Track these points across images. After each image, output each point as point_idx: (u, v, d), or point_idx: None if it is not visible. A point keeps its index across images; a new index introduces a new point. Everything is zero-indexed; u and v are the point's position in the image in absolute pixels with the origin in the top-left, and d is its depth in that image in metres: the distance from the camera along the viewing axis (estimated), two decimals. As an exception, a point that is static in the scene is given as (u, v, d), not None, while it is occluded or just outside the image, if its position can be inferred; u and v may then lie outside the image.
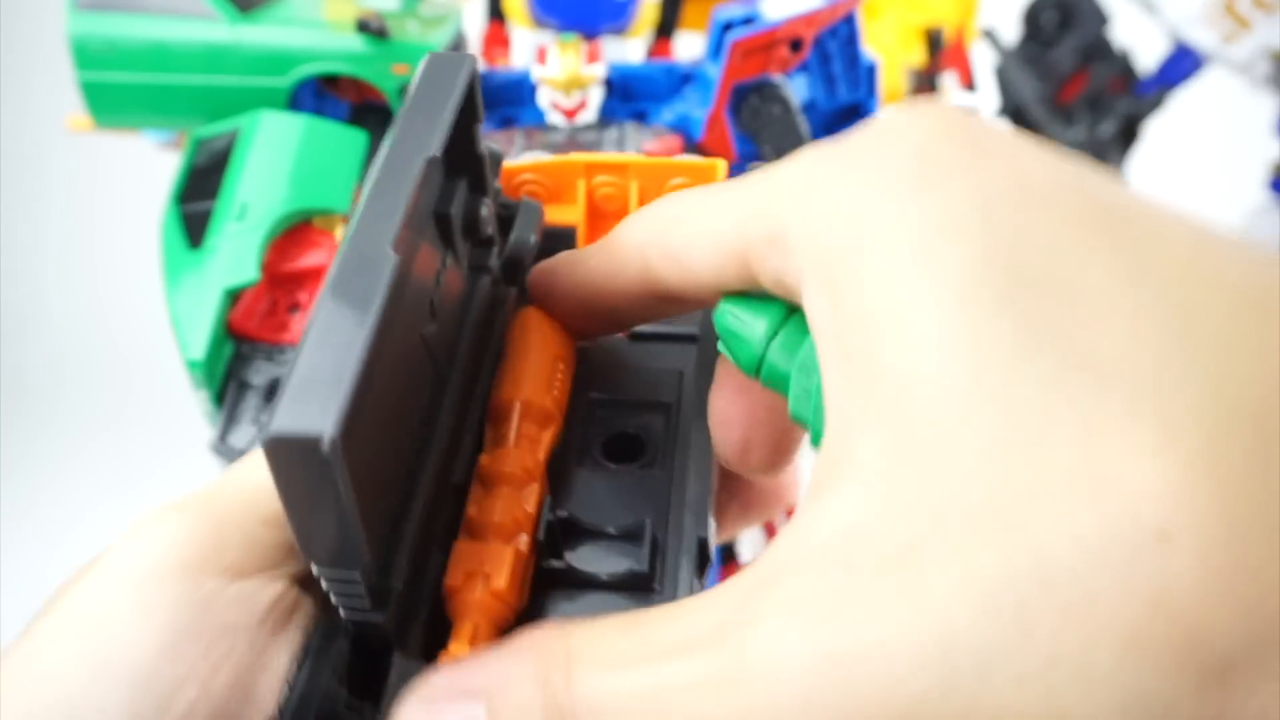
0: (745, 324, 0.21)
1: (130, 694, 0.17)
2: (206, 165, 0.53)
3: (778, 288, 0.19)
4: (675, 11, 0.68)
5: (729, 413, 0.23)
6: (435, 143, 0.21)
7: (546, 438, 0.24)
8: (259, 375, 0.49)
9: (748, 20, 0.57)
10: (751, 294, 0.21)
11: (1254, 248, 0.15)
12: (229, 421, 0.48)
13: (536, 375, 0.24)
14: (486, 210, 0.25)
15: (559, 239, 0.29)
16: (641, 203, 0.32)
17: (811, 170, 0.18)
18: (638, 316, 0.24)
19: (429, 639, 0.21)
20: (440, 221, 0.23)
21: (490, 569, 0.21)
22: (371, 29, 0.54)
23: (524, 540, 0.22)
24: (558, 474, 0.24)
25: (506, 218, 0.27)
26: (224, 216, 0.50)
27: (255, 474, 0.21)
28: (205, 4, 0.54)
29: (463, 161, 0.24)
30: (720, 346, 0.22)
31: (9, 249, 1.40)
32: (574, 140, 0.59)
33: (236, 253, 0.49)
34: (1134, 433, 0.13)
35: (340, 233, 0.53)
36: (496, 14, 0.67)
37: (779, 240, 0.18)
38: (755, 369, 0.21)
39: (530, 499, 0.22)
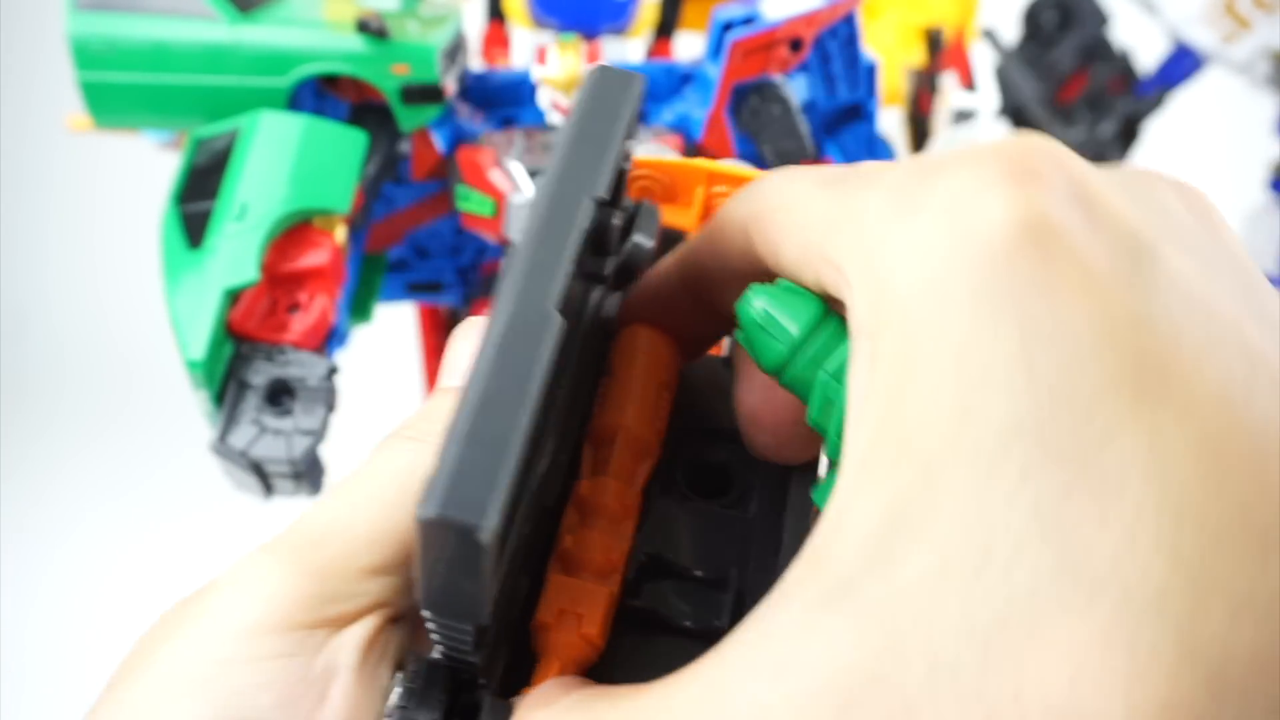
0: (777, 322, 0.20)
1: None
2: (206, 165, 0.53)
3: (837, 301, 0.19)
4: (675, 11, 0.68)
5: (760, 413, 0.23)
6: (603, 181, 0.20)
7: (644, 470, 0.23)
8: (259, 375, 0.49)
9: (748, 20, 0.57)
10: (788, 286, 0.20)
11: None
12: (229, 421, 0.48)
13: (642, 403, 0.23)
14: (617, 221, 0.23)
15: (671, 241, 0.27)
16: None
17: (888, 225, 0.18)
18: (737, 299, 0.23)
19: (511, 671, 0.21)
20: None
21: (584, 610, 0.21)
22: (371, 29, 0.54)
23: (616, 580, 0.21)
24: (646, 507, 0.23)
25: (624, 220, 0.26)
26: (224, 216, 0.50)
27: (357, 518, 0.21)
28: (205, 4, 0.54)
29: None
30: (739, 337, 0.21)
31: (9, 249, 1.40)
32: (574, 140, 0.59)
33: (236, 253, 0.49)
34: (1108, 662, 0.14)
35: (340, 233, 0.53)
36: (496, 14, 0.67)
37: (844, 274, 0.19)
38: (777, 369, 0.20)
39: (626, 535, 0.22)
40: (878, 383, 0.17)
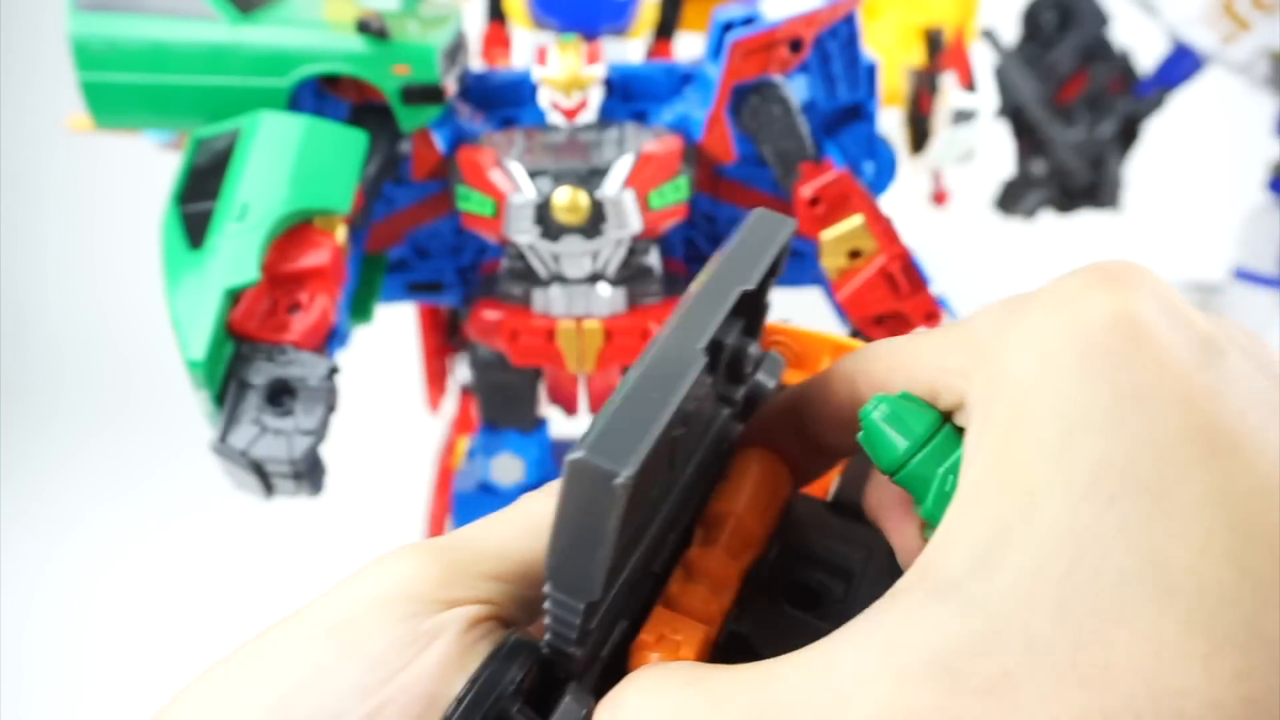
0: (900, 425, 0.23)
1: (362, 671, 0.23)
2: (207, 165, 0.53)
3: (952, 405, 0.23)
4: (675, 11, 0.68)
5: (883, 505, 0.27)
6: (754, 279, 0.25)
7: (747, 555, 0.27)
8: (259, 375, 0.49)
9: (748, 20, 0.57)
10: (909, 396, 0.24)
11: None
12: (229, 421, 0.48)
13: (754, 502, 0.27)
14: (752, 350, 0.28)
15: None
16: None
17: (1002, 327, 0.22)
18: (836, 440, 0.27)
19: (601, 684, 0.24)
20: (714, 348, 0.26)
21: (681, 638, 0.24)
22: (371, 29, 0.54)
23: (713, 628, 0.25)
24: (743, 595, 0.27)
25: (756, 359, 0.31)
26: (224, 216, 0.50)
27: (493, 537, 0.26)
28: (206, 4, 0.54)
29: (748, 305, 0.27)
30: (861, 439, 0.24)
31: (9, 249, 1.40)
32: (574, 140, 0.59)
33: (237, 253, 0.49)
34: (1188, 641, 0.17)
35: (341, 233, 0.53)
36: (496, 14, 0.67)
37: (965, 374, 0.22)
38: (895, 468, 0.23)
39: (724, 602, 0.25)
40: (988, 435, 0.21)
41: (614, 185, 0.57)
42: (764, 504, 0.27)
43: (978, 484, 0.20)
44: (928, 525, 0.23)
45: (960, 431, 0.23)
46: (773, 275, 0.27)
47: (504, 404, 0.69)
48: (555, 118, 0.60)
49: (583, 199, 0.56)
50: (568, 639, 0.23)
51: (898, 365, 0.25)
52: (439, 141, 0.60)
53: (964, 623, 0.18)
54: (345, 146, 0.54)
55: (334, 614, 0.24)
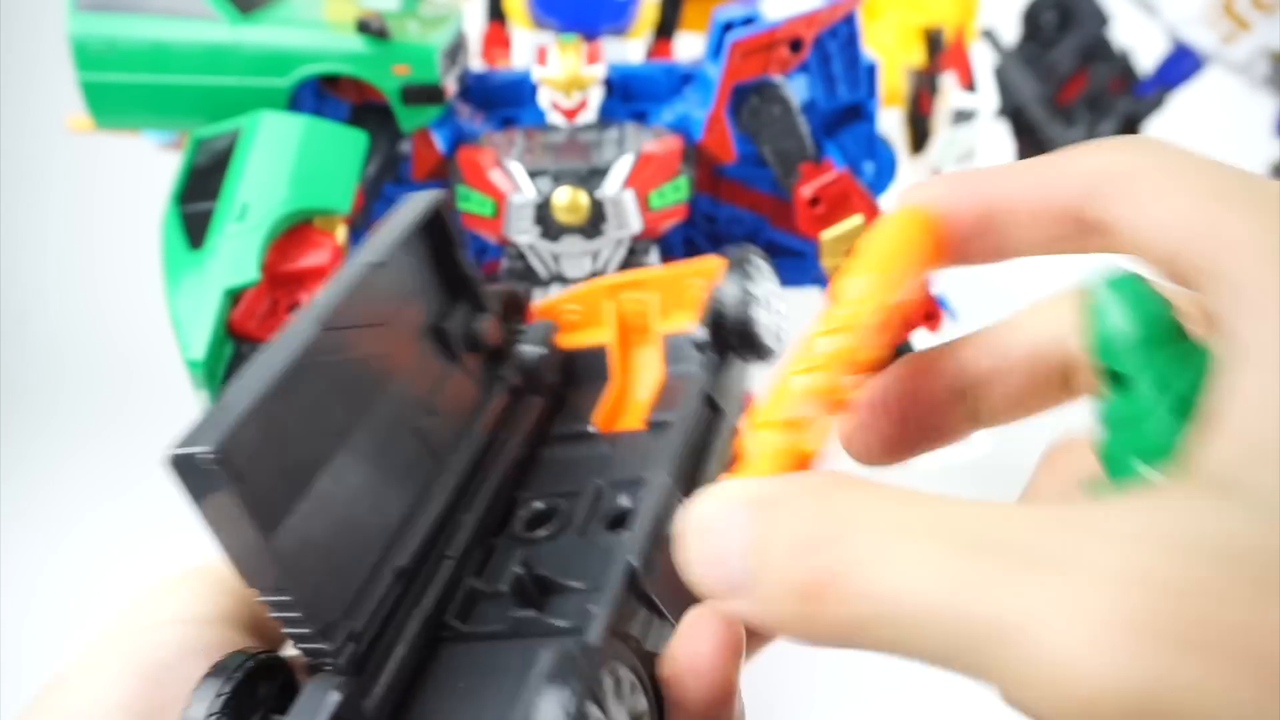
0: (1137, 309, 0.20)
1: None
2: (207, 165, 0.53)
3: (1197, 281, 0.19)
4: (675, 11, 0.68)
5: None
6: (381, 252, 0.26)
7: (888, 334, 0.22)
8: (259, 375, 0.49)
9: (748, 20, 0.57)
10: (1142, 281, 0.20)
11: None
12: (229, 421, 0.48)
13: (884, 265, 0.21)
14: (486, 325, 0.29)
15: (591, 359, 0.33)
16: (664, 310, 0.33)
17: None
18: (1029, 237, 0.22)
19: (397, 696, 0.23)
20: (439, 335, 0.28)
21: (813, 422, 0.20)
22: (371, 29, 0.54)
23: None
24: (539, 540, 0.27)
25: (508, 335, 0.31)
26: (224, 217, 0.50)
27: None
28: (206, 4, 0.54)
29: (459, 287, 0.29)
30: (1087, 305, 0.20)
31: (9, 249, 1.40)
32: (574, 140, 0.59)
33: (237, 253, 0.49)
34: None
35: (341, 233, 0.53)
36: (496, 14, 0.67)
37: (1234, 248, 0.19)
38: (1104, 352, 0.20)
39: (860, 384, 0.21)
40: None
41: (614, 185, 0.57)
42: (898, 266, 0.22)
43: (1263, 379, 0.17)
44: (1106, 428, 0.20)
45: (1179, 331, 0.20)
46: (453, 246, 0.28)
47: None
48: (555, 118, 0.60)
49: (583, 199, 0.56)
50: (306, 636, 0.22)
51: (1165, 199, 0.20)
52: (439, 141, 0.59)
53: (1237, 512, 0.16)
54: (345, 146, 0.54)
55: (126, 637, 0.27)
